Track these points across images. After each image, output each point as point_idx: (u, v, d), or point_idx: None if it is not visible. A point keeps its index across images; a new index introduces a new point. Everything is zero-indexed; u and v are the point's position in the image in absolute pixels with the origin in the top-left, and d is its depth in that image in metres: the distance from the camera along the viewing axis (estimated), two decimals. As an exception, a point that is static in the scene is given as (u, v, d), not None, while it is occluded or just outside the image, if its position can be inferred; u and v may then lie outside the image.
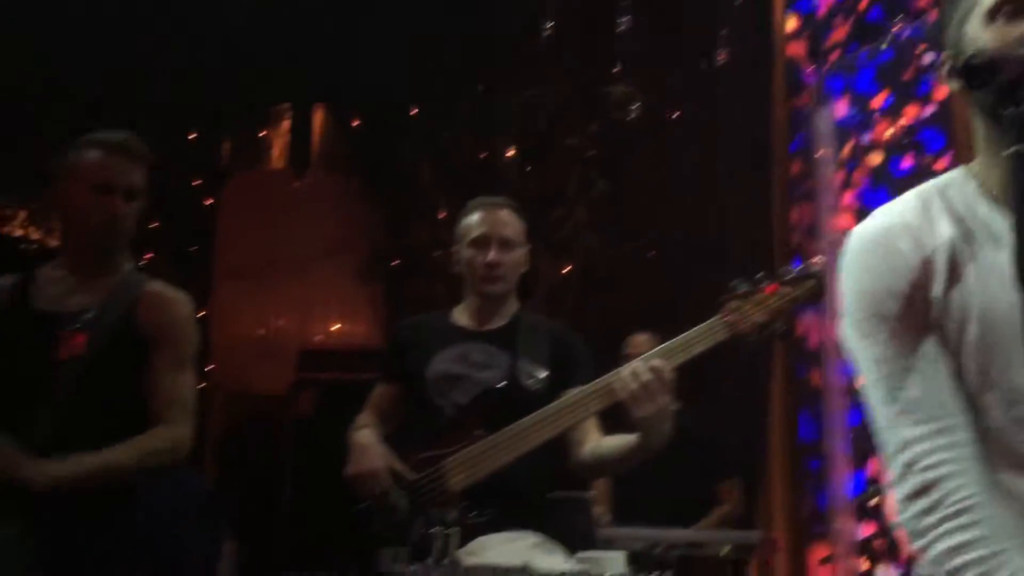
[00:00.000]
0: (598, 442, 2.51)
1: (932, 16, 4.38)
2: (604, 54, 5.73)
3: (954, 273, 1.33)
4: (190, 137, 6.51)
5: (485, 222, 2.68)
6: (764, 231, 4.98)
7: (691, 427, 3.96)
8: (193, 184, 6.70)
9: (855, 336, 1.39)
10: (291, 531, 4.75)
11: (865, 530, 4.35)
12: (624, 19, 5.47)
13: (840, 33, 5.00)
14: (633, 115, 5.34)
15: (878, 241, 1.37)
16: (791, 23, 5.20)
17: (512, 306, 2.74)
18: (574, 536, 2.23)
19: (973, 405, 1.32)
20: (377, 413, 2.76)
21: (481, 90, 5.98)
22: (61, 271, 2.47)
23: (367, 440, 2.59)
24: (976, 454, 1.30)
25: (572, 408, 2.33)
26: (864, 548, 4.18)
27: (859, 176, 4.66)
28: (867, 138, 4.74)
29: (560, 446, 2.49)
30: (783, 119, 5.05)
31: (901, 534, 4.04)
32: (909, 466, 1.31)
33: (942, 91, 4.47)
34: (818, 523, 4.64)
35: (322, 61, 6.04)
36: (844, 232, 4.54)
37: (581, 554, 1.80)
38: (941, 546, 1.26)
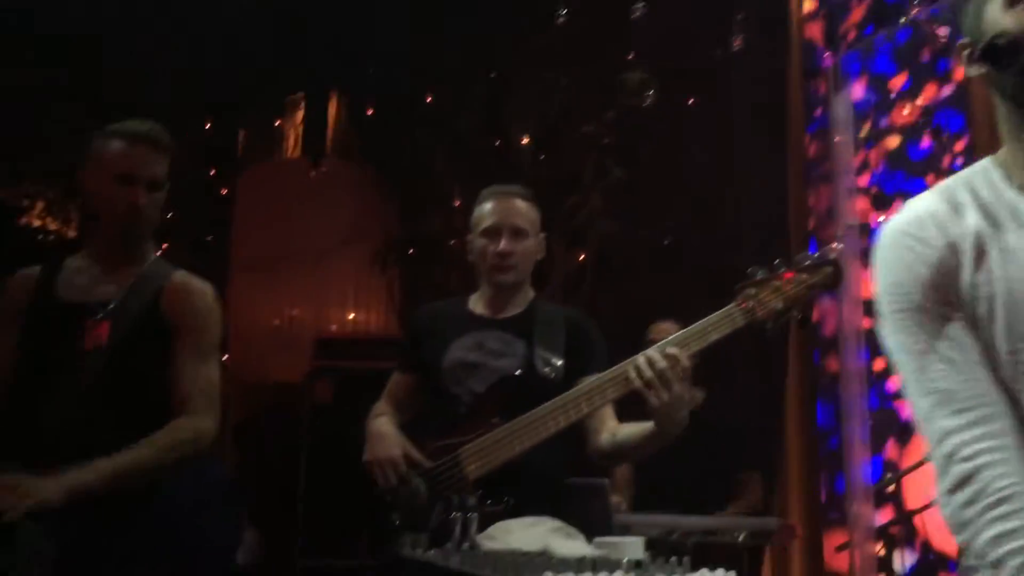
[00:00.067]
0: (615, 430, 2.51)
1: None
2: (619, 41, 5.70)
3: (981, 260, 1.32)
4: (205, 127, 6.52)
5: (496, 212, 2.68)
6: (780, 217, 4.96)
7: (714, 417, 3.97)
8: (209, 174, 6.73)
9: (890, 329, 1.39)
10: (308, 519, 4.77)
11: (882, 516, 4.35)
12: (639, 5, 5.45)
13: (857, 14, 4.96)
14: (648, 102, 5.31)
15: (906, 233, 1.38)
16: (808, 4, 5.16)
17: (527, 294, 2.74)
18: (591, 522, 2.24)
19: (1009, 393, 1.31)
20: (394, 402, 2.77)
21: (495, 78, 5.97)
22: (86, 261, 2.48)
23: (384, 428, 2.60)
24: (1016, 442, 1.29)
25: (588, 396, 2.33)
26: (881, 534, 4.17)
27: (876, 159, 4.63)
28: (884, 121, 4.71)
29: (576, 433, 2.50)
30: (799, 103, 5.02)
31: (918, 521, 4.03)
32: (949, 457, 1.30)
33: (960, 72, 4.44)
34: (834, 509, 4.63)
35: (336, 50, 6.03)
36: (861, 217, 4.54)
37: (599, 539, 1.79)
38: (984, 536, 1.25)
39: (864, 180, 4.72)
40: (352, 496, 2.73)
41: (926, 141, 4.61)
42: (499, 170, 5.08)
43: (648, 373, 2.22)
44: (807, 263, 2.25)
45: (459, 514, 1.67)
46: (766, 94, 5.20)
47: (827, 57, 4.85)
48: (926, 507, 3.80)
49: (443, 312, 2.79)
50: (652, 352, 2.25)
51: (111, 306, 2.37)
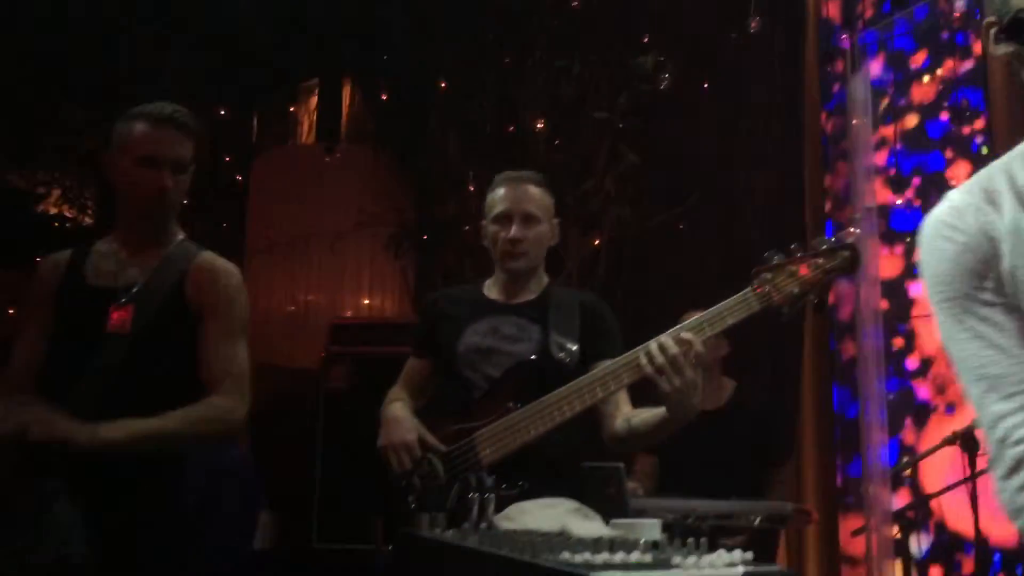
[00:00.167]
0: (629, 415, 2.51)
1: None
2: (633, 24, 5.68)
3: (1020, 245, 1.32)
4: (220, 114, 6.53)
5: (508, 198, 2.68)
6: (796, 200, 4.94)
7: (745, 406, 3.97)
8: (224, 160, 6.74)
9: (939, 319, 1.40)
10: (324, 503, 4.79)
11: (897, 500, 4.34)
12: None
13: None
14: (663, 85, 5.29)
15: (945, 224, 1.38)
16: (824, -16, 5.13)
17: (542, 279, 2.75)
18: (607, 506, 2.24)
19: None
20: (409, 387, 2.78)
21: (509, 63, 5.95)
22: (113, 245, 2.48)
23: (399, 413, 2.62)
24: None
25: (603, 381, 2.34)
26: (897, 517, 4.17)
27: (895, 137, 4.60)
28: (902, 100, 4.68)
29: (591, 418, 2.50)
30: (815, 85, 4.99)
31: (934, 503, 4.03)
32: (1002, 442, 1.31)
33: (978, 47, 4.42)
34: (850, 494, 4.63)
35: (350, 35, 6.03)
36: (879, 199, 4.51)
37: (615, 521, 1.80)
38: None
39: (882, 158, 4.69)
40: (367, 480, 2.75)
41: (944, 117, 4.58)
42: (513, 156, 5.07)
43: (660, 359, 2.23)
44: (824, 247, 2.24)
45: (476, 495, 1.68)
46: (782, 76, 5.17)
47: (844, 39, 4.81)
48: (943, 491, 3.79)
49: (458, 297, 2.80)
50: (664, 338, 2.25)
51: (135, 289, 2.38)
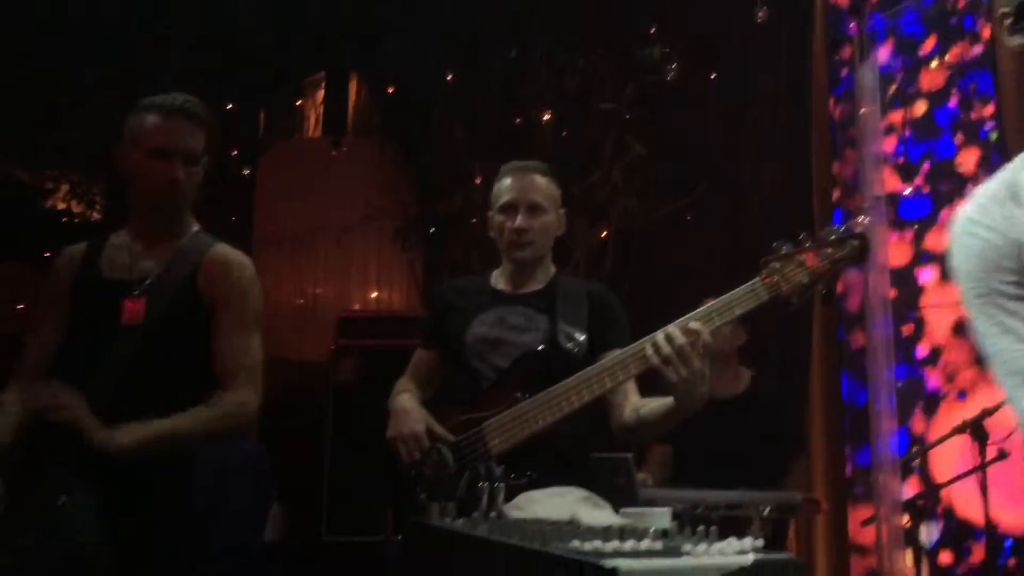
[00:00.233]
0: (638, 405, 2.51)
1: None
2: (639, 15, 5.66)
3: None
4: (227, 108, 6.54)
5: (514, 188, 2.68)
6: (804, 190, 4.93)
7: (762, 396, 3.97)
8: (231, 154, 6.75)
9: (971, 316, 1.40)
10: (333, 496, 4.81)
11: (907, 489, 4.33)
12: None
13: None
14: (670, 76, 5.28)
15: (972, 220, 1.39)
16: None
17: (549, 269, 2.75)
18: (617, 496, 2.24)
19: None
20: (417, 378, 2.78)
21: (515, 55, 5.95)
22: (128, 238, 2.47)
23: (407, 404, 2.62)
24: None
25: (611, 371, 2.33)
26: (906, 507, 4.16)
27: (903, 123, 4.58)
28: (911, 87, 4.66)
29: (600, 408, 2.50)
30: (823, 72, 4.98)
31: (944, 492, 4.02)
32: None
33: (987, 31, 4.40)
34: (859, 484, 4.62)
35: (355, 29, 6.03)
36: (888, 187, 4.49)
37: (625, 510, 1.80)
38: None
39: (890, 145, 4.67)
40: (376, 472, 2.75)
41: (953, 103, 4.56)
42: (519, 147, 5.07)
43: (666, 349, 2.22)
44: (833, 237, 2.23)
45: (486, 484, 1.68)
46: (789, 65, 5.16)
47: (852, 27, 4.79)
48: (953, 480, 3.79)
49: (465, 288, 2.80)
50: (672, 328, 2.25)
51: (148, 282, 2.37)
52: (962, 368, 4.44)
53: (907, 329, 4.59)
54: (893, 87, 4.64)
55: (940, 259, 4.57)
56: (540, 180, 2.70)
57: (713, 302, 2.27)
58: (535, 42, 5.84)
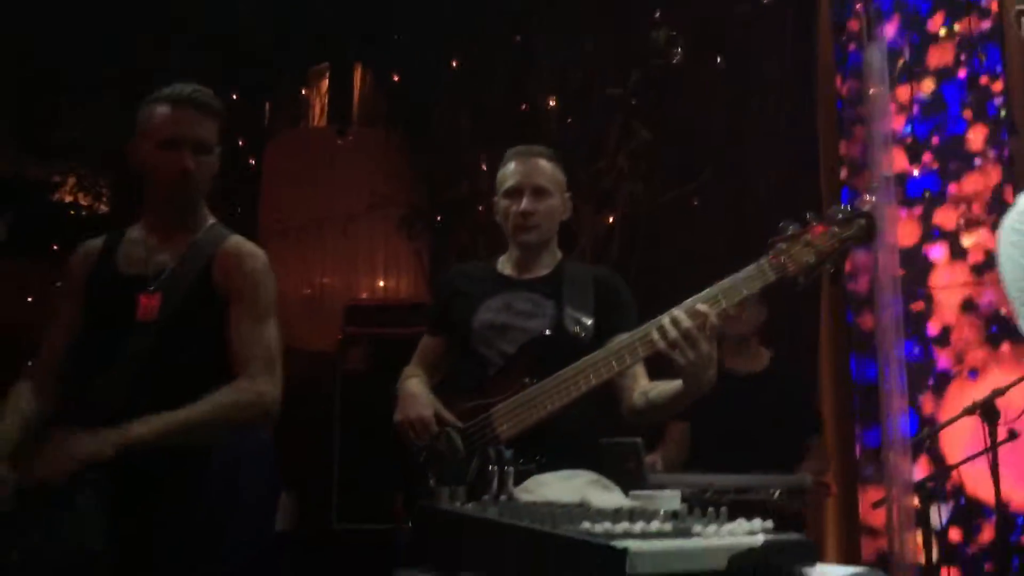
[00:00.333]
0: (647, 388, 2.51)
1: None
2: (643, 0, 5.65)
3: None
4: (232, 98, 6.53)
5: (519, 172, 2.68)
6: (812, 171, 4.91)
7: (781, 377, 3.97)
8: (237, 144, 6.74)
9: (1018, 319, 1.40)
10: (343, 484, 4.82)
11: (918, 470, 4.32)
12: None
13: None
14: (675, 59, 5.26)
15: (1013, 230, 1.39)
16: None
17: (555, 254, 2.74)
18: (626, 480, 2.24)
19: None
20: (424, 364, 2.78)
21: (520, 41, 5.93)
22: (143, 232, 2.47)
23: (415, 389, 2.62)
24: None
25: (618, 355, 2.33)
26: (917, 488, 4.15)
27: (910, 102, 4.55)
28: (918, 63, 4.63)
29: (608, 392, 2.50)
30: (829, 53, 4.95)
31: (955, 472, 4.01)
32: None
33: (995, 4, 4.37)
34: (869, 465, 4.61)
35: (360, 17, 6.01)
36: (896, 167, 4.47)
37: (635, 492, 1.80)
38: None
39: (898, 123, 4.65)
40: (386, 460, 2.76)
41: (961, 77, 4.53)
42: (525, 134, 5.05)
43: (673, 333, 2.22)
44: (840, 216, 2.22)
45: (496, 467, 1.68)
46: (795, 44, 5.13)
47: (859, 7, 4.76)
48: (964, 461, 3.79)
49: (472, 274, 2.80)
50: (677, 311, 2.24)
51: (163, 276, 2.36)
52: (972, 347, 4.44)
53: (916, 307, 4.57)
54: (900, 62, 4.61)
55: (949, 236, 4.56)
56: (545, 164, 2.70)
57: (719, 284, 2.26)
58: (540, 29, 5.82)
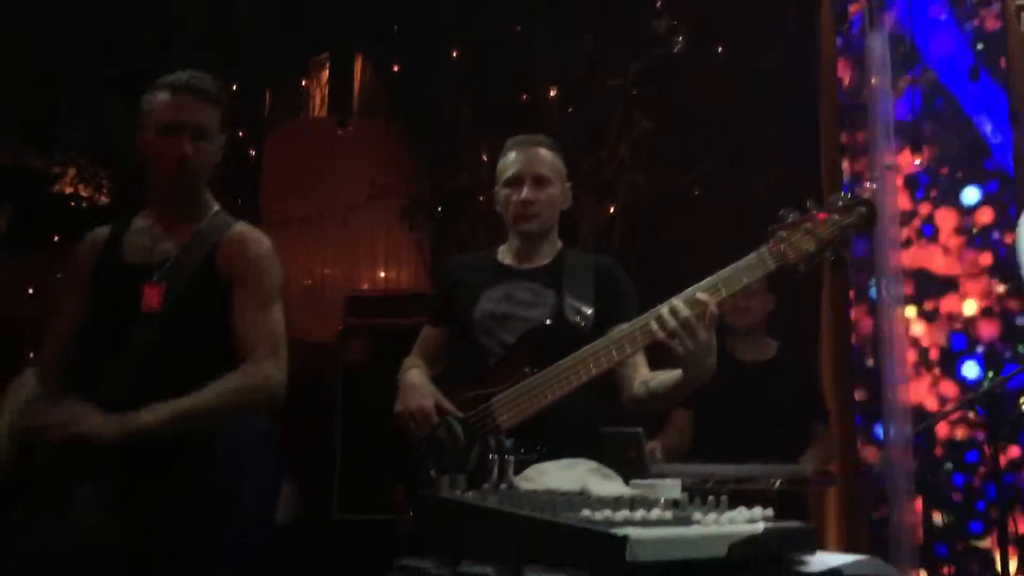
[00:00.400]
0: (647, 377, 2.51)
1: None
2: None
3: None
4: (232, 89, 6.52)
5: (519, 161, 2.68)
6: (813, 160, 4.90)
7: (787, 367, 3.97)
8: (237, 136, 6.73)
9: None
10: (344, 475, 4.82)
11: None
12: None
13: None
14: (677, 49, 5.25)
15: None
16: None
17: (555, 244, 2.74)
18: (627, 470, 2.24)
19: None
20: (424, 354, 2.79)
21: (521, 31, 5.92)
22: (149, 220, 2.47)
23: (416, 379, 2.62)
24: None
25: (618, 344, 2.33)
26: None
27: (913, 89, 4.53)
28: (921, 48, 4.61)
29: (609, 382, 2.50)
30: (831, 42, 4.93)
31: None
32: None
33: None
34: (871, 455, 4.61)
35: (361, 7, 5.99)
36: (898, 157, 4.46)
37: (635, 481, 1.80)
38: None
39: (901, 110, 4.63)
40: (387, 451, 2.75)
41: (964, 62, 4.51)
42: (526, 124, 5.04)
43: (671, 323, 2.22)
44: (840, 204, 2.22)
45: (496, 456, 1.68)
46: (797, 35, 5.12)
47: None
48: (948, 413, 3.80)
49: (472, 264, 2.80)
50: (676, 301, 2.24)
51: (167, 265, 2.36)
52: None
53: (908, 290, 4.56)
54: (903, 51, 4.59)
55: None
56: (545, 153, 2.70)
57: (720, 272, 2.26)
58: (541, 18, 5.80)
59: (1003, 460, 3.63)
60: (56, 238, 6.38)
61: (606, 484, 1.79)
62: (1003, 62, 4.43)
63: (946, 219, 4.52)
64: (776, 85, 5.27)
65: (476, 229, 5.53)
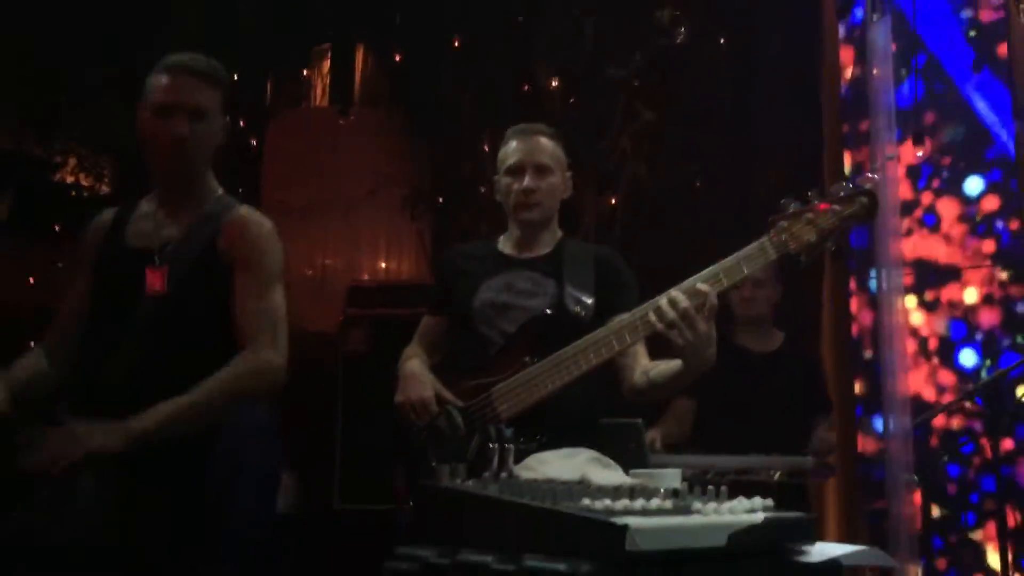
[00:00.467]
0: (648, 367, 2.51)
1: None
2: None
3: None
4: (233, 78, 6.50)
5: (520, 150, 2.68)
6: (815, 152, 4.89)
7: (791, 358, 3.97)
8: (238, 125, 6.72)
9: None
10: (345, 464, 4.82)
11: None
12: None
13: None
14: (680, 39, 5.24)
15: None
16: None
17: (556, 233, 2.74)
18: (627, 461, 2.25)
19: None
20: (424, 344, 2.78)
21: (522, 21, 5.90)
22: (153, 205, 2.46)
23: (415, 369, 2.62)
24: None
25: (618, 334, 2.32)
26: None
27: (914, 78, 4.52)
28: (922, 36, 4.59)
29: (609, 372, 2.50)
30: (833, 33, 4.92)
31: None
32: None
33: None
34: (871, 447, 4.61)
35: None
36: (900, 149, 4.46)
37: (635, 471, 1.80)
38: None
39: (904, 97, 4.61)
40: (388, 441, 2.75)
41: (964, 48, 4.50)
42: (528, 115, 5.03)
43: (670, 315, 2.21)
44: (841, 194, 2.21)
45: (496, 445, 1.68)
46: (800, 25, 5.11)
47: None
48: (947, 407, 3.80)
49: (472, 253, 2.79)
50: (675, 292, 2.23)
51: (169, 249, 2.35)
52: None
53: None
54: (905, 39, 4.57)
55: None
56: (546, 142, 2.69)
57: (720, 262, 2.26)
58: (543, 8, 5.79)
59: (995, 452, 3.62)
60: (57, 227, 6.38)
61: (606, 473, 1.79)
62: (1000, 50, 4.42)
63: (948, 208, 4.51)
64: (778, 76, 5.27)
65: (477, 219, 5.52)
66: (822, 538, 1.51)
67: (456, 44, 6.01)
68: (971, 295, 4.40)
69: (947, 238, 4.50)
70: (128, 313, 2.29)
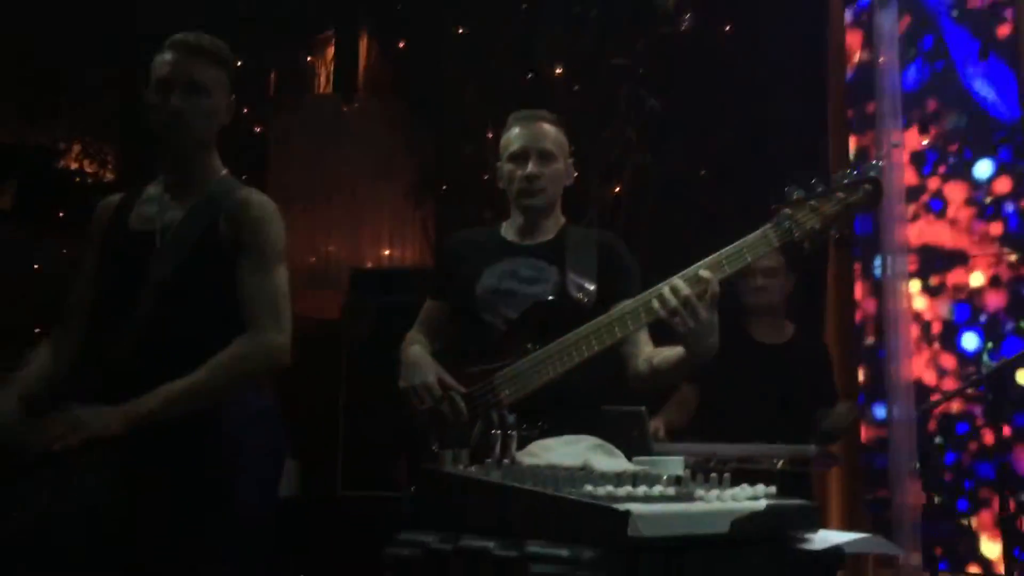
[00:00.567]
0: (651, 354, 2.50)
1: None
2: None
3: None
4: (237, 65, 6.49)
5: (523, 136, 2.67)
6: (822, 140, 4.88)
7: (800, 348, 3.96)
8: (242, 112, 6.72)
9: None
10: (348, 451, 4.83)
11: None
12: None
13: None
14: (684, 26, 5.21)
15: None
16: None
17: (558, 220, 2.74)
18: (630, 448, 2.25)
19: None
20: (426, 329, 2.78)
21: (526, 8, 5.88)
22: (158, 188, 2.45)
23: (418, 354, 2.62)
24: None
25: (620, 321, 2.32)
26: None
27: (920, 65, 4.51)
28: (926, 25, 4.58)
29: (613, 358, 2.49)
30: (840, 20, 4.91)
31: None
32: None
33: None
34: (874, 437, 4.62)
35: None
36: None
37: (638, 458, 1.80)
38: None
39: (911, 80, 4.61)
40: (390, 427, 2.76)
41: (969, 33, 4.49)
42: (531, 103, 5.01)
43: (672, 302, 2.20)
44: (846, 181, 2.21)
45: (499, 431, 1.68)
46: (806, 12, 5.09)
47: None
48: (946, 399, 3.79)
49: (475, 239, 2.79)
50: (677, 280, 2.23)
51: (171, 232, 2.35)
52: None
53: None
54: (907, 19, 4.56)
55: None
56: (549, 128, 2.68)
57: (723, 250, 2.25)
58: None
59: (992, 440, 3.62)
60: (62, 214, 6.38)
61: (609, 460, 1.79)
62: (1000, 31, 4.41)
63: (955, 192, 4.50)
64: (784, 63, 5.24)
65: (481, 207, 5.51)
66: (824, 527, 1.51)
67: (459, 32, 5.99)
68: (977, 279, 4.39)
69: (953, 222, 4.49)
70: (132, 296, 2.29)
